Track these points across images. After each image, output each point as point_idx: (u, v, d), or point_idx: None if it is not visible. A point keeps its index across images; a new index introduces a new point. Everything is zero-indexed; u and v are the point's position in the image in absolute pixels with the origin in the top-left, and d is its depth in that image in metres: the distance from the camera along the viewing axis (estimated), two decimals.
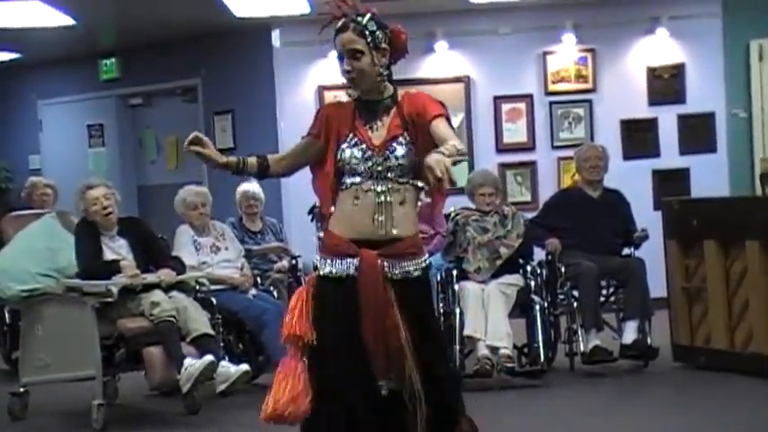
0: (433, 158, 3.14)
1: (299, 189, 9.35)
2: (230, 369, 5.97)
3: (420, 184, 3.57)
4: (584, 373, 6.89)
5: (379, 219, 3.52)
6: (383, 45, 3.53)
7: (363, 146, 3.58)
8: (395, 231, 3.53)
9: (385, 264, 3.51)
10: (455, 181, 3.14)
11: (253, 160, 3.74)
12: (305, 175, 10.79)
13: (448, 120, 3.54)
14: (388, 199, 3.53)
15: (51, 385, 6.34)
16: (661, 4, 9.66)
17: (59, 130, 11.37)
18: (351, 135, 3.59)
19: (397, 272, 3.52)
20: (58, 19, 8.76)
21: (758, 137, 9.78)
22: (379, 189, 3.53)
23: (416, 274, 3.57)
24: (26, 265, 6.33)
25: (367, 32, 3.50)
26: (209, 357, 5.91)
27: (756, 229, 6.61)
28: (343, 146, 3.58)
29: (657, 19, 9.74)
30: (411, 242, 3.58)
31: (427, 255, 3.72)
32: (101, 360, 6.05)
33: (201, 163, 11.61)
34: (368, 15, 3.54)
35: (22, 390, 6.36)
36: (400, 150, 3.56)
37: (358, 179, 3.55)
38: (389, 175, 3.54)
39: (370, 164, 3.55)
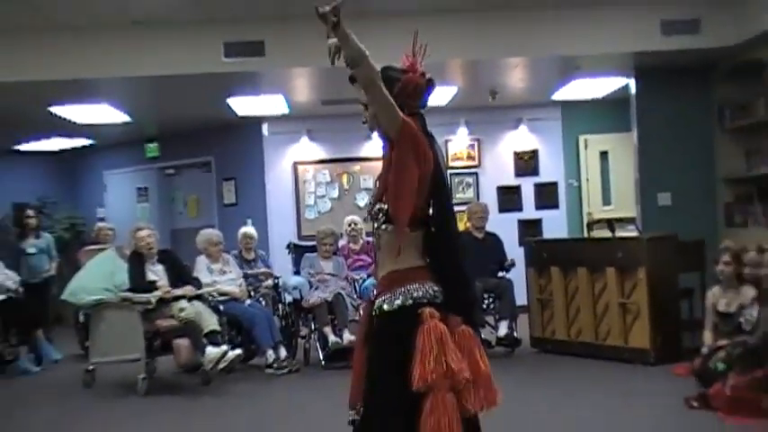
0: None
1: (281, 229, 9.44)
2: (230, 352, 5.99)
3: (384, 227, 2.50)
4: None
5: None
6: None
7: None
8: (380, 273, 2.57)
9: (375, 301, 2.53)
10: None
11: None
12: (286, 217, 10.68)
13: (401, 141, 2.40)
14: (376, 242, 2.59)
15: (110, 365, 6.33)
16: (522, 110, 9.66)
17: (118, 191, 11.25)
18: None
19: (375, 309, 2.50)
20: (119, 117, 8.71)
21: (585, 198, 9.81)
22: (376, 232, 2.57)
23: (383, 309, 2.45)
24: (94, 282, 6.36)
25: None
26: (224, 348, 5.97)
27: (584, 259, 6.73)
28: None
29: (520, 119, 9.75)
30: (384, 280, 2.51)
31: (402, 290, 2.43)
32: (144, 348, 6.11)
33: (214, 212, 11.43)
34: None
35: (91, 367, 6.42)
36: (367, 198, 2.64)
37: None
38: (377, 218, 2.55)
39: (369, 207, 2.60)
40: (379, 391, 2.42)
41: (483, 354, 2.47)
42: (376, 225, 2.52)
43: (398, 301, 2.42)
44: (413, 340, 2.36)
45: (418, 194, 2.42)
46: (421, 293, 2.43)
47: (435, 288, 2.46)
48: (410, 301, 2.41)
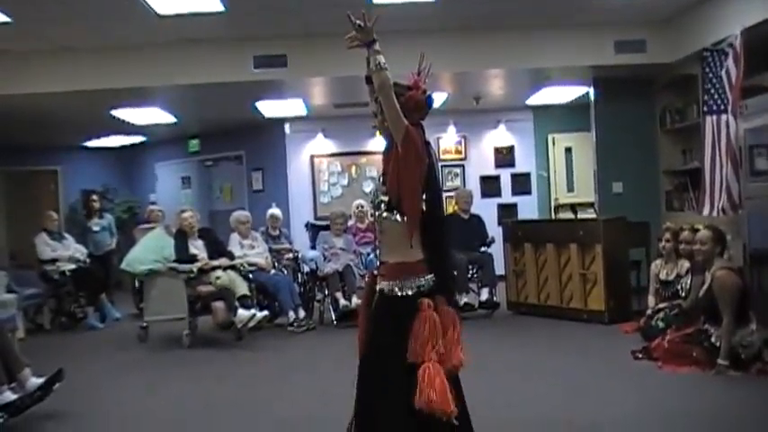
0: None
1: (301, 211, 9.40)
2: (258, 314, 6.00)
3: (385, 215, 2.48)
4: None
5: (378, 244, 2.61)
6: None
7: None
8: (384, 259, 2.51)
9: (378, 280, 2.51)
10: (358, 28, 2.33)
11: None
12: (304, 201, 10.60)
13: (404, 141, 2.38)
14: (379, 227, 2.54)
15: (161, 322, 6.33)
16: (501, 112, 9.60)
17: (166, 180, 11.23)
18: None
19: (383, 290, 2.46)
20: (167, 118, 8.69)
21: (553, 186, 9.76)
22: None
23: (393, 292, 2.42)
24: (147, 255, 6.34)
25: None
26: (253, 311, 5.95)
27: (551, 237, 6.71)
28: None
29: (499, 120, 9.71)
30: (392, 268, 2.45)
31: (410, 283, 2.42)
32: (187, 309, 6.10)
33: (245, 197, 11.37)
34: None
35: (144, 325, 6.40)
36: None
37: None
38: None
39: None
40: (379, 358, 2.43)
41: (456, 327, 2.45)
42: (377, 213, 2.49)
43: (409, 291, 2.41)
44: (411, 322, 2.37)
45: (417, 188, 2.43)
46: (422, 284, 2.42)
47: (431, 279, 2.44)
48: (414, 291, 2.41)
